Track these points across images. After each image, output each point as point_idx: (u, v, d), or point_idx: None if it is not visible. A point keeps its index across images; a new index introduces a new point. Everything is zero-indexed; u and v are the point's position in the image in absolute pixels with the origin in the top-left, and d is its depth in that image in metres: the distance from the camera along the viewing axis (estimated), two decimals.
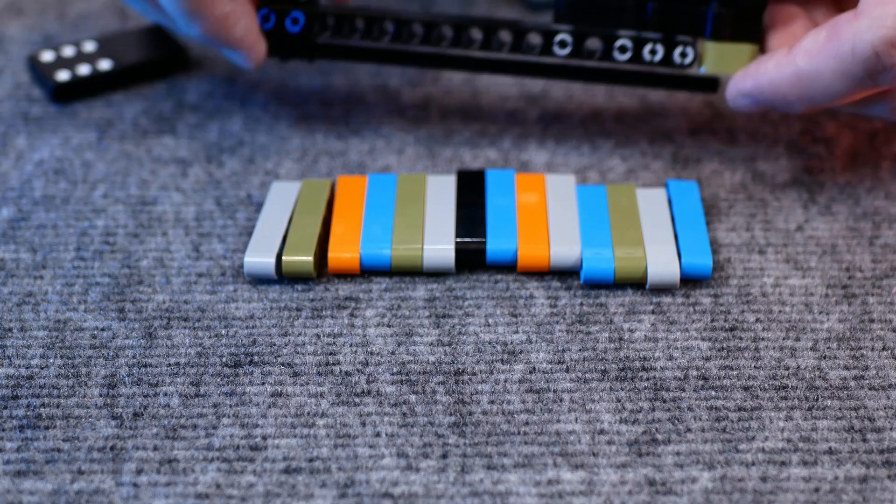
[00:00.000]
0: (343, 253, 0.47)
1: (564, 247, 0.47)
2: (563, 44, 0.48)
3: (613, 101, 0.57)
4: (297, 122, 0.56)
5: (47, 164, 0.54)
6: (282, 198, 0.50)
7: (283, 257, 0.47)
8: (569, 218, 0.48)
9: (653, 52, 0.48)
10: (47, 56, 0.58)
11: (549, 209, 0.49)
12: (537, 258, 0.47)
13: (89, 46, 0.58)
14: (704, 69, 0.49)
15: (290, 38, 0.51)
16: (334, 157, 0.54)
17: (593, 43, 0.49)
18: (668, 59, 0.48)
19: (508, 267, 0.48)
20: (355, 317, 0.47)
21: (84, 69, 0.57)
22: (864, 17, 0.43)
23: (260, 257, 0.47)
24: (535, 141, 0.55)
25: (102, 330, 0.46)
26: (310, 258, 0.47)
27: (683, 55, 0.48)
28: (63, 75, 0.57)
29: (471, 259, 0.48)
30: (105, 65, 0.57)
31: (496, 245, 0.47)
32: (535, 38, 0.49)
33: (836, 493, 0.41)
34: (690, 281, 0.48)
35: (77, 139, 0.55)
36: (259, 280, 0.48)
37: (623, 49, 0.48)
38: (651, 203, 0.49)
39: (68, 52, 0.58)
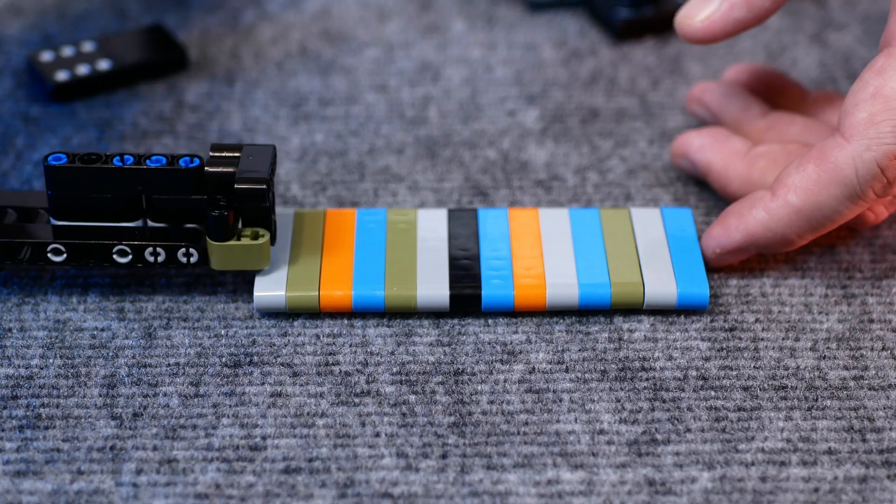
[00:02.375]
0: (335, 291, 0.46)
1: (561, 289, 0.46)
2: (57, 251, 0.46)
3: (613, 101, 0.57)
4: (297, 122, 0.56)
5: None
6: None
7: (287, 293, 0.46)
8: (566, 262, 0.47)
9: (155, 254, 0.46)
10: (47, 56, 0.58)
11: (545, 253, 0.47)
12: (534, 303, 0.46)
13: (89, 46, 0.58)
14: (214, 266, 0.46)
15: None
16: (334, 157, 0.54)
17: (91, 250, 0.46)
18: (171, 258, 0.46)
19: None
20: (355, 317, 0.47)
21: (83, 69, 0.57)
22: (857, 139, 0.44)
23: (271, 291, 0.46)
24: (535, 141, 0.55)
25: (102, 330, 0.46)
26: (315, 293, 0.46)
27: (188, 255, 0.46)
28: (62, 75, 0.57)
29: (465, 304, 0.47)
30: (105, 65, 0.57)
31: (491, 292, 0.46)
32: (25, 252, 0.46)
33: (836, 493, 0.41)
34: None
35: (77, 139, 0.55)
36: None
37: (123, 252, 0.46)
38: (646, 228, 0.48)
39: (68, 52, 0.58)
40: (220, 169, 0.45)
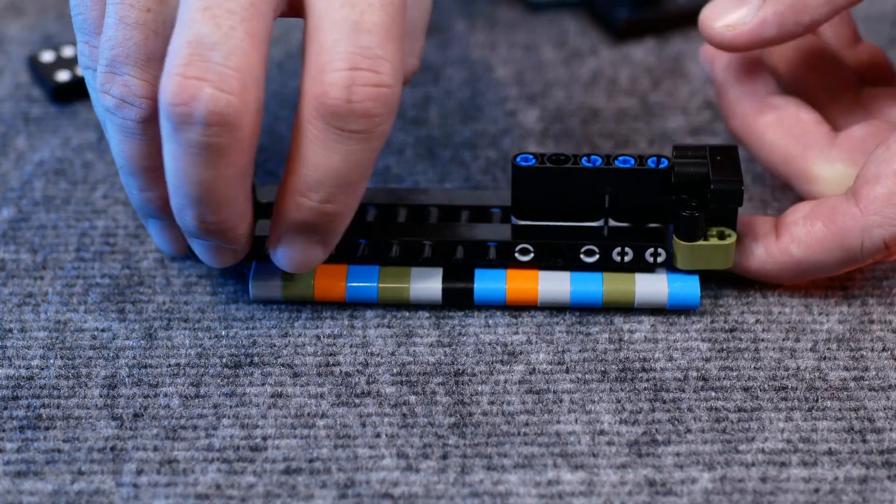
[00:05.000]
0: (330, 281, 0.47)
1: (554, 283, 0.46)
2: (525, 251, 0.46)
3: (613, 101, 0.57)
4: None
5: (47, 165, 0.54)
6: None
7: (283, 282, 0.46)
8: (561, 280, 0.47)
9: (622, 254, 0.46)
10: (47, 56, 0.58)
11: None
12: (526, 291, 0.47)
13: None
14: (678, 267, 0.46)
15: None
16: None
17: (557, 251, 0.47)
18: (638, 259, 0.46)
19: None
20: (355, 318, 0.47)
21: None
22: (872, 214, 0.44)
23: (266, 280, 0.47)
24: (536, 141, 0.55)
25: (103, 331, 0.46)
26: (310, 283, 0.46)
27: (656, 255, 0.46)
28: (63, 75, 0.57)
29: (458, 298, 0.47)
30: None
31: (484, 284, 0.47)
32: (492, 253, 0.47)
33: (836, 493, 0.41)
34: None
35: (77, 139, 0.55)
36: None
37: (590, 252, 0.46)
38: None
39: (68, 52, 0.58)
40: (691, 170, 0.45)
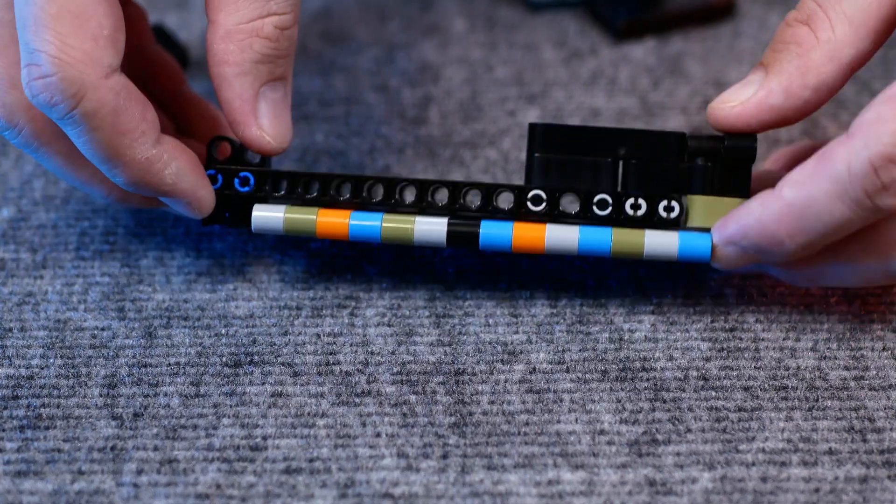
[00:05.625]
0: (333, 217, 0.46)
1: (562, 231, 0.45)
2: (537, 200, 0.46)
3: (613, 101, 0.57)
4: (297, 122, 0.56)
5: None
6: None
7: (286, 214, 0.46)
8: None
9: (635, 206, 0.45)
10: None
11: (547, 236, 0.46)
12: (533, 238, 0.45)
13: None
14: (690, 223, 0.45)
15: (239, 200, 0.47)
16: (334, 157, 0.54)
17: (570, 200, 0.46)
18: (652, 213, 0.45)
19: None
20: (355, 316, 0.47)
21: None
22: (858, 136, 0.41)
23: (269, 211, 0.46)
24: None
25: (102, 330, 0.46)
26: (314, 217, 0.46)
27: (669, 209, 0.45)
28: None
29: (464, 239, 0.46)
30: None
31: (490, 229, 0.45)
32: (506, 199, 0.46)
33: (836, 493, 0.41)
34: (691, 282, 0.48)
35: None
36: (259, 277, 0.48)
37: (603, 204, 0.45)
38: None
39: None
40: (705, 135, 0.45)
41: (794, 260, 0.44)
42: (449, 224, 0.45)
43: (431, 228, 0.45)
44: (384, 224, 0.45)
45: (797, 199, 0.42)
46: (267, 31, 0.45)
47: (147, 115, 0.43)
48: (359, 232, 0.46)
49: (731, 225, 0.44)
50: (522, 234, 0.45)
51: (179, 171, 0.44)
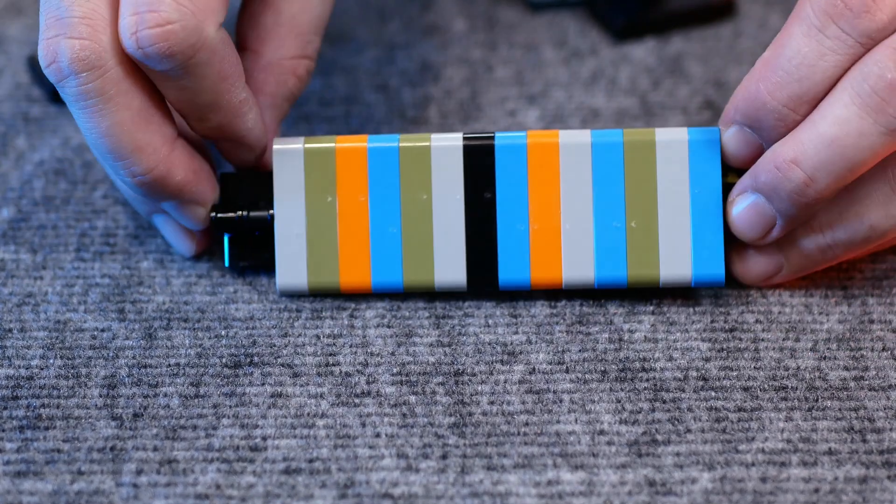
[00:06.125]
0: (355, 277, 0.47)
1: (578, 271, 0.46)
2: None
3: (613, 101, 0.57)
4: (297, 121, 0.56)
5: (47, 165, 0.54)
6: (289, 186, 0.47)
7: (309, 280, 0.47)
8: (584, 238, 0.46)
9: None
10: None
11: (563, 220, 0.47)
12: (551, 281, 0.47)
13: None
14: None
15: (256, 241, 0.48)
16: None
17: None
18: None
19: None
20: (355, 317, 0.47)
21: None
22: None
23: (294, 278, 0.47)
24: None
25: (102, 331, 0.46)
26: (336, 281, 0.47)
27: None
28: None
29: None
30: None
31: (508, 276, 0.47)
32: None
33: (836, 493, 0.41)
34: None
35: (77, 139, 0.55)
36: (259, 281, 0.48)
37: None
38: (670, 170, 0.46)
39: None
40: None
41: (788, 123, 0.43)
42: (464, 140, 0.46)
43: (448, 138, 0.47)
44: (406, 280, 0.47)
45: (771, 54, 0.43)
46: (300, 72, 0.48)
47: (238, 58, 0.45)
48: (382, 288, 0.47)
49: (728, 112, 0.45)
50: (537, 142, 0.46)
51: (255, 117, 0.46)
